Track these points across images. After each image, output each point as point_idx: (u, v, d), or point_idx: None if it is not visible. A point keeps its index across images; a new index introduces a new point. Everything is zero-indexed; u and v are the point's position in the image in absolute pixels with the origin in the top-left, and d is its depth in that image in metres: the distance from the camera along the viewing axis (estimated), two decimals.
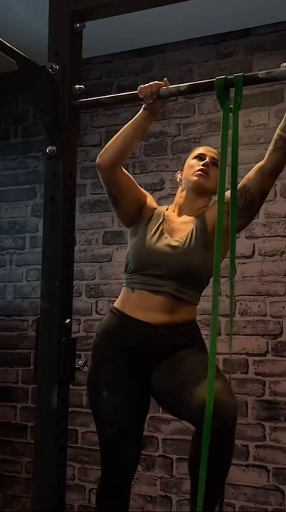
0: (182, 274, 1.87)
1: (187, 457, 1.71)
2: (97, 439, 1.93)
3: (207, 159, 1.98)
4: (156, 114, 1.81)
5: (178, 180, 2.08)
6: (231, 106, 1.42)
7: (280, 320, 2.87)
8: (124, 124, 1.85)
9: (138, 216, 1.99)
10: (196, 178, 1.96)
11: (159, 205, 2.06)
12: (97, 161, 1.88)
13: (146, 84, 1.62)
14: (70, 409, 1.56)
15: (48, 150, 1.47)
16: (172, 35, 3.17)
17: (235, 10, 2.89)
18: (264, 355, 2.86)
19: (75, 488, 3.17)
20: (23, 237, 3.54)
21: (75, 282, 1.58)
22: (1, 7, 2.92)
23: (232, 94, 1.43)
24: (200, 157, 2.00)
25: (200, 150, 2.03)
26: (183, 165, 2.08)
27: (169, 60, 3.25)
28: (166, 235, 1.92)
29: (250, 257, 2.95)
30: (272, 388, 2.84)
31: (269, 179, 1.82)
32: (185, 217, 1.97)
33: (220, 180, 1.46)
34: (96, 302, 3.28)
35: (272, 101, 3.00)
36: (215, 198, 1.88)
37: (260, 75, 1.41)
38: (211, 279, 1.78)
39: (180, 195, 2.03)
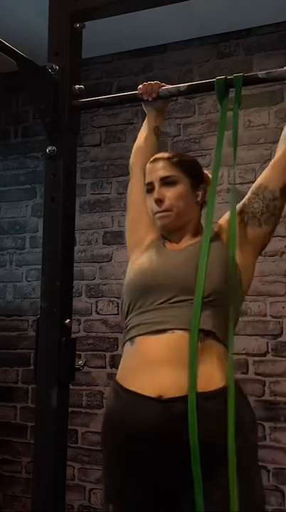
0: (194, 287, 1.35)
1: None
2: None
3: (156, 190, 1.58)
4: (163, 112, 1.80)
5: None
6: (231, 106, 1.43)
7: (280, 320, 2.86)
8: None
9: (140, 240, 1.65)
10: (159, 223, 1.59)
11: None
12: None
13: (147, 83, 1.61)
14: (70, 409, 1.56)
15: (48, 150, 1.47)
16: (172, 35, 3.16)
17: (235, 10, 2.89)
18: (264, 355, 2.86)
19: (75, 488, 3.17)
20: (23, 237, 3.53)
21: (75, 282, 1.58)
22: (1, 7, 2.92)
23: (232, 95, 1.43)
24: (149, 190, 1.62)
25: (147, 177, 1.63)
26: None
27: (169, 60, 3.25)
28: (165, 253, 1.56)
29: None
30: (272, 388, 2.83)
31: None
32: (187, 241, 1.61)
33: (213, 180, 1.47)
34: (96, 302, 3.28)
35: (272, 101, 3.00)
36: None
37: (260, 75, 1.41)
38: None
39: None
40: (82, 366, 1.47)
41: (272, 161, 1.59)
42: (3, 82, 3.56)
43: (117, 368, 1.55)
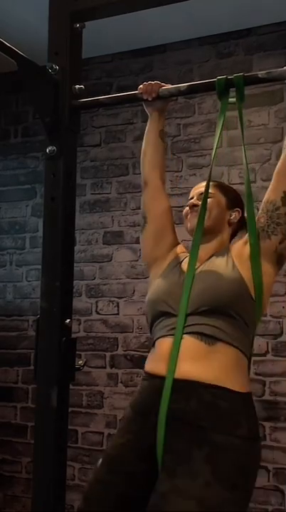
0: (203, 303, 1.54)
1: None
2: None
3: (193, 199, 1.76)
4: (163, 112, 1.80)
5: None
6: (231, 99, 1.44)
7: (280, 320, 2.86)
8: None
9: (161, 257, 1.76)
10: (187, 223, 1.75)
11: None
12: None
13: (148, 82, 1.62)
14: (70, 409, 1.56)
15: (48, 150, 1.47)
16: (172, 35, 3.16)
17: (235, 10, 2.89)
18: (264, 355, 2.86)
19: (75, 488, 3.17)
20: (23, 237, 3.53)
21: (75, 282, 1.58)
22: (1, 7, 2.92)
23: (232, 94, 1.44)
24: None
25: (190, 195, 1.82)
26: None
27: (169, 60, 3.25)
28: (181, 271, 1.67)
29: None
30: (272, 388, 2.83)
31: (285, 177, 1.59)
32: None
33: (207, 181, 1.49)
34: (96, 302, 3.28)
35: (272, 101, 3.00)
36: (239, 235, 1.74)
37: (260, 75, 1.41)
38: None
39: None
40: (82, 366, 1.47)
41: (274, 172, 1.63)
42: (3, 82, 3.56)
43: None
